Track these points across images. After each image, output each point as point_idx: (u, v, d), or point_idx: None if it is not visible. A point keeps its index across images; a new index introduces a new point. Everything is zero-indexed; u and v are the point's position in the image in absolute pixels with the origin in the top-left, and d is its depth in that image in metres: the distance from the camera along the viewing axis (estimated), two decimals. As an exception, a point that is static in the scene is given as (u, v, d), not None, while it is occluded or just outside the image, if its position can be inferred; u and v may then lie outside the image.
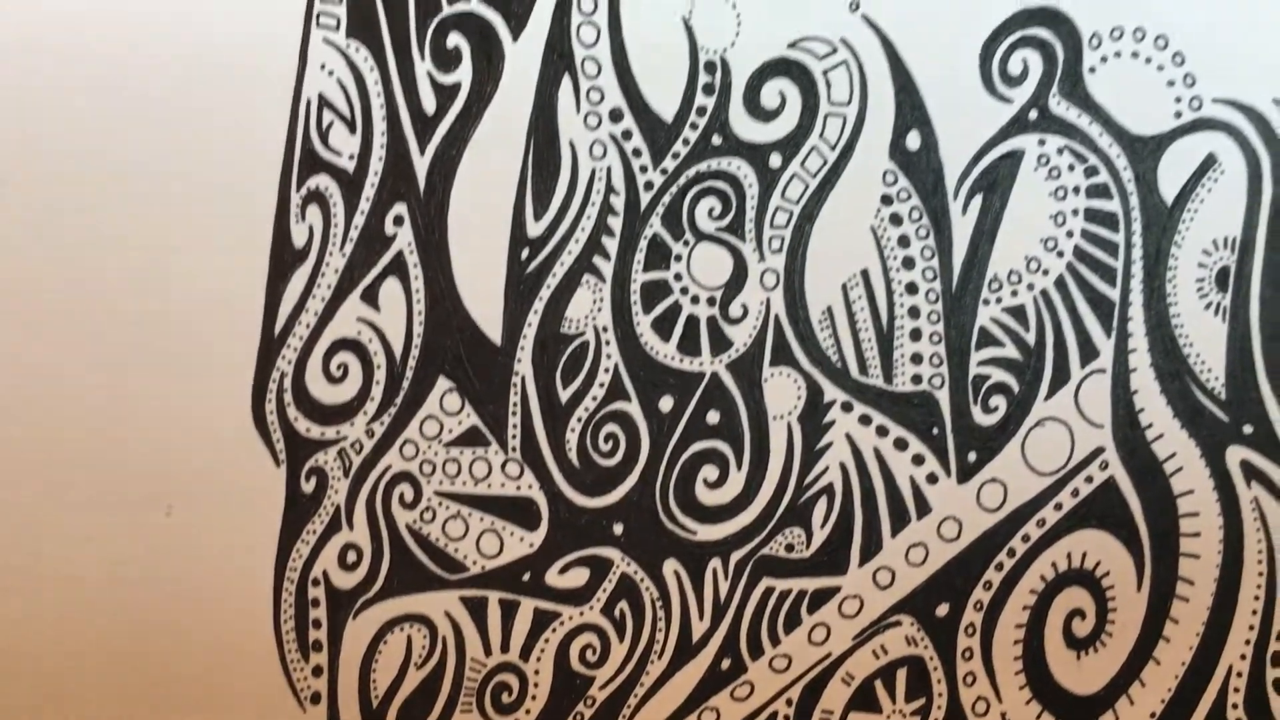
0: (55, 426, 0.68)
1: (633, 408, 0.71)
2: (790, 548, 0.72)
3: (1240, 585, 0.72)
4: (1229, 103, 0.72)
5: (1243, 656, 0.73)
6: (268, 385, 0.70)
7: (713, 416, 0.71)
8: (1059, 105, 0.71)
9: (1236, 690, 0.73)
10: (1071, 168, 0.71)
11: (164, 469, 0.70)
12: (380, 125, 0.70)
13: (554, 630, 0.72)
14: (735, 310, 0.71)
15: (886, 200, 0.71)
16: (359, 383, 0.71)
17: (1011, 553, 0.72)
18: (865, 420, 0.72)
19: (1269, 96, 0.72)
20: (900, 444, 0.71)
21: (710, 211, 0.71)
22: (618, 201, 0.71)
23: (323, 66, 0.70)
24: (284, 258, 0.70)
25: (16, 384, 0.67)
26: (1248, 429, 0.72)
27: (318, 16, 0.70)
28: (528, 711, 0.72)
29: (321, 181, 0.70)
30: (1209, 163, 0.71)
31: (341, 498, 0.71)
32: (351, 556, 0.71)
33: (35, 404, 0.67)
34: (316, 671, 0.71)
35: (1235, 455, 0.72)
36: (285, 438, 0.70)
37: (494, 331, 0.71)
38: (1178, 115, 0.71)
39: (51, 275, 0.67)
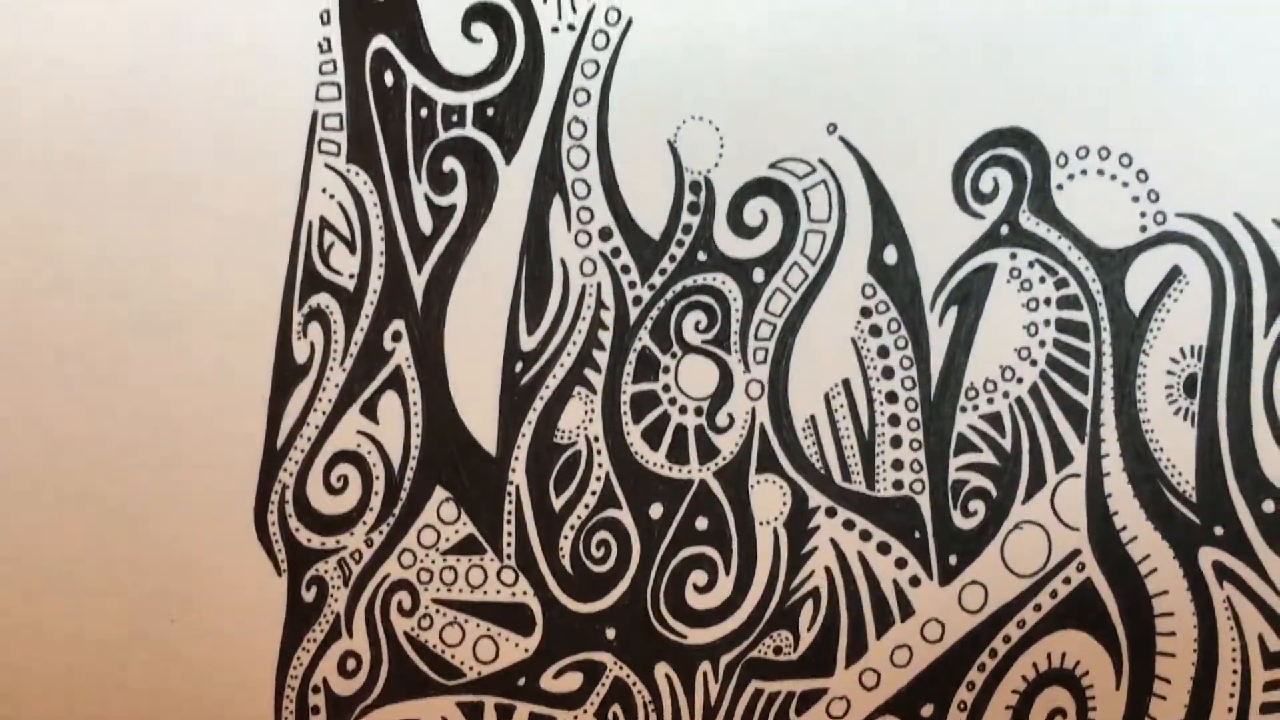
0: (61, 534, 0.70)
1: (624, 515, 0.74)
2: (778, 650, 0.74)
3: (1215, 684, 0.75)
4: (1192, 217, 0.75)
5: (1220, 753, 0.74)
6: (270, 496, 0.73)
7: (701, 523, 0.74)
8: (1029, 221, 0.74)
9: None
10: (1042, 280, 0.74)
11: (168, 578, 0.72)
12: (379, 245, 0.73)
13: (548, 734, 0.73)
14: (722, 420, 0.74)
15: (866, 312, 0.74)
16: (358, 493, 0.73)
17: (993, 653, 0.74)
18: (849, 525, 0.74)
19: (1229, 210, 0.75)
20: (883, 548, 0.74)
21: (697, 325, 0.74)
22: (608, 316, 0.74)
23: (324, 190, 0.74)
24: (286, 373, 0.73)
25: (24, 494, 0.70)
26: (1219, 530, 0.74)
27: (319, 143, 0.73)
28: None
29: (323, 300, 0.73)
30: (1174, 274, 0.75)
31: (341, 606, 0.73)
32: (351, 664, 0.73)
33: (42, 511, 0.70)
34: (316, 778, 0.72)
35: (1208, 556, 0.74)
36: (287, 547, 0.73)
37: (489, 442, 0.74)
38: (1143, 229, 0.75)
39: (62, 388, 0.70)
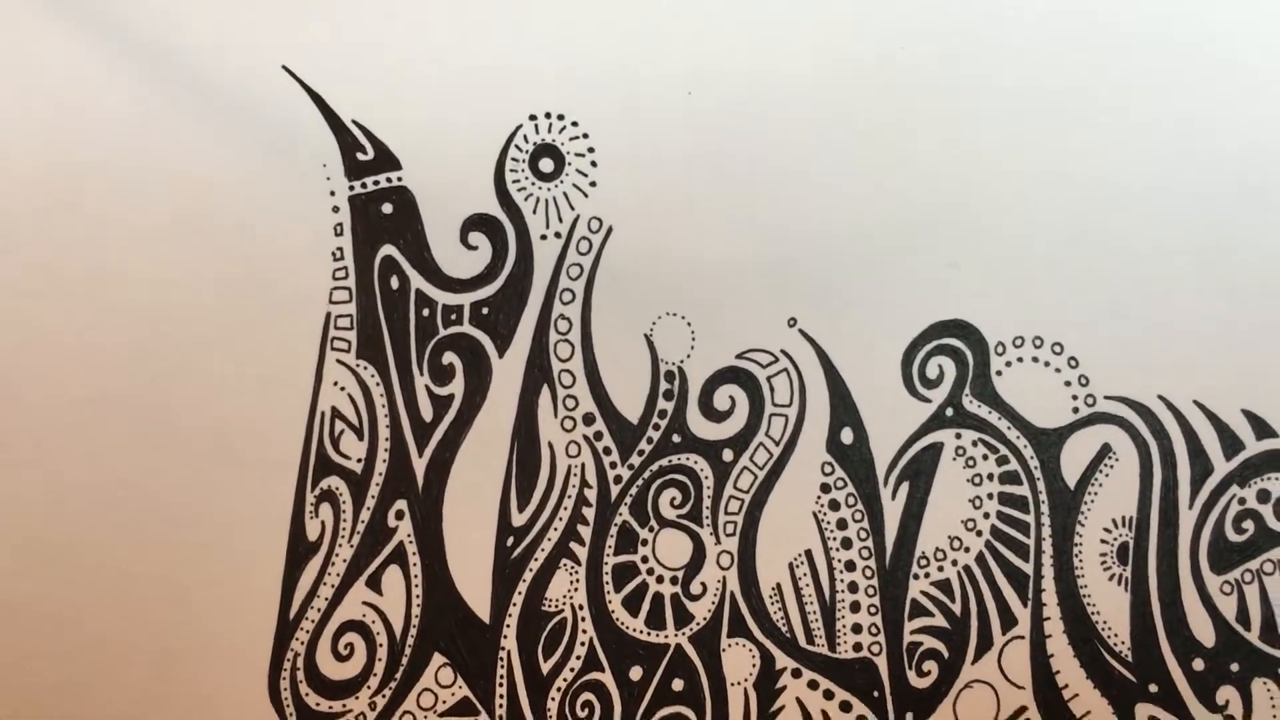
0: (93, 705, 0.77)
1: (606, 677, 0.80)
2: None
3: None
4: (1119, 399, 0.83)
5: None
6: (283, 663, 0.79)
7: (677, 684, 0.81)
8: (971, 403, 0.82)
9: None
10: (985, 457, 0.82)
11: (188, 741, 0.78)
12: (384, 432, 0.81)
13: None
14: (696, 588, 0.81)
15: (825, 488, 0.81)
16: (363, 660, 0.80)
17: None
18: (814, 685, 0.81)
19: (1154, 393, 0.82)
20: (845, 706, 0.80)
21: (672, 501, 0.81)
22: (591, 494, 0.81)
23: (335, 383, 0.81)
24: (298, 550, 0.80)
25: (58, 679, 0.76)
26: (1153, 688, 0.81)
27: (332, 341, 0.81)
28: None
29: (333, 482, 0.81)
30: (1105, 451, 0.82)
31: (347, 766, 0.79)
32: (355, 820, 0.79)
33: (80, 687, 0.76)
34: None
35: (1144, 712, 0.81)
36: (298, 711, 0.80)
37: (483, 611, 0.81)
38: (1075, 410, 0.82)
39: (98, 573, 0.77)
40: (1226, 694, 0.85)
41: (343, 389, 0.85)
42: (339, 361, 0.85)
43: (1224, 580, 0.85)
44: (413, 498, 0.84)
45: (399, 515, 0.84)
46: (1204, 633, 0.85)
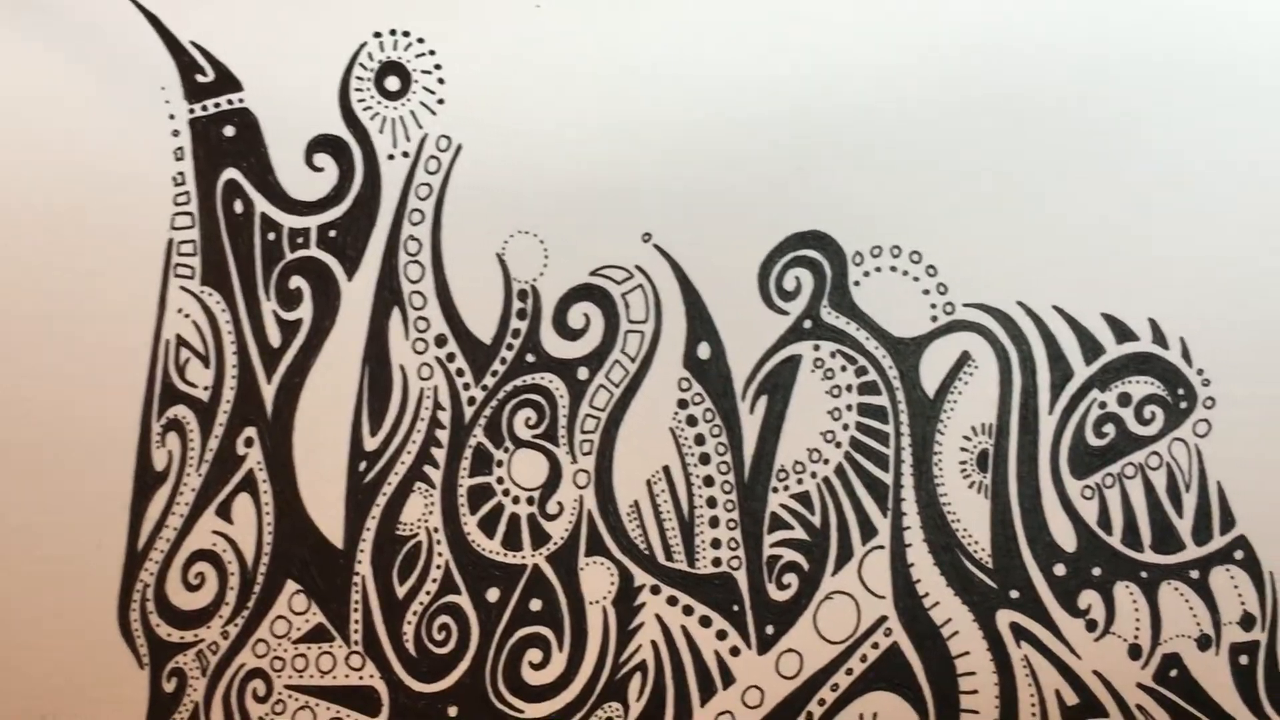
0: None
1: (463, 600, 0.79)
2: None
3: None
4: (978, 306, 0.82)
5: (1024, 802, 0.80)
6: (132, 595, 0.78)
7: (535, 604, 0.80)
8: (829, 315, 0.81)
9: None
10: (844, 368, 0.81)
11: (38, 680, 0.77)
12: (231, 359, 0.80)
13: (396, 808, 0.78)
14: (552, 508, 0.80)
15: (682, 404, 0.80)
16: (215, 589, 0.79)
17: (809, 716, 0.80)
18: (673, 601, 0.80)
19: (1013, 299, 0.81)
20: (705, 621, 0.79)
21: (527, 421, 0.80)
22: (444, 416, 0.80)
23: (179, 310, 0.80)
24: (146, 480, 0.79)
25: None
26: (1014, 594, 0.80)
27: (175, 268, 0.79)
28: None
29: (179, 411, 0.79)
30: (964, 359, 0.81)
31: (200, 695, 0.78)
32: (210, 749, 0.78)
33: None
34: None
35: (1005, 618, 0.80)
36: (148, 642, 0.78)
37: (336, 537, 0.80)
38: (934, 319, 0.82)
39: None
40: (1088, 598, 0.84)
41: (187, 316, 0.83)
42: (183, 288, 0.83)
43: (1085, 485, 0.85)
44: (262, 425, 0.83)
45: (248, 442, 0.82)
46: (1065, 538, 0.84)
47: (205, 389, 0.85)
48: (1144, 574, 0.86)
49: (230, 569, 0.85)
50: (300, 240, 0.86)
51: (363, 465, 0.86)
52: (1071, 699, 0.86)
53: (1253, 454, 0.87)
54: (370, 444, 0.86)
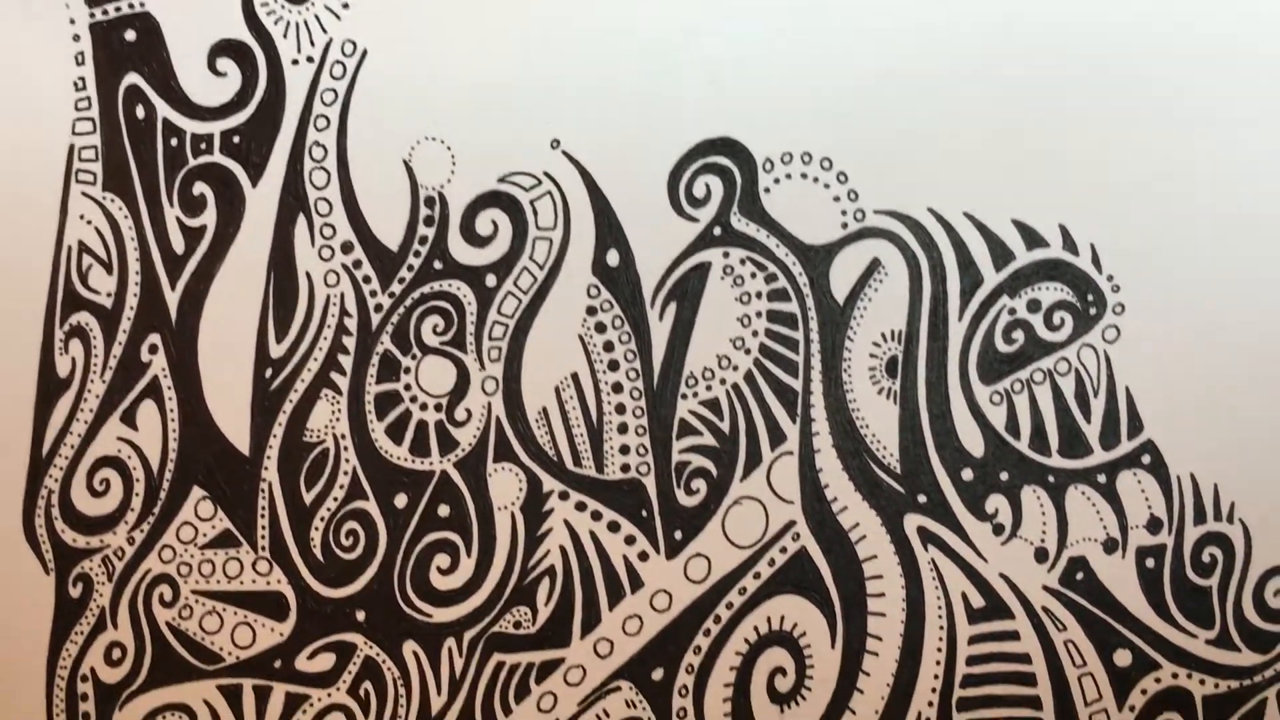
0: None
1: (371, 506, 0.79)
2: (518, 625, 0.79)
3: (924, 639, 0.81)
4: (889, 213, 0.82)
5: (930, 704, 0.81)
6: (36, 501, 0.78)
7: (443, 510, 0.80)
8: (739, 222, 0.80)
9: None
10: (754, 275, 0.80)
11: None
12: (134, 265, 0.79)
13: (304, 712, 0.79)
14: (460, 414, 0.79)
15: (591, 311, 0.80)
16: (120, 495, 0.79)
17: (718, 619, 0.80)
18: (581, 507, 0.80)
19: (923, 206, 0.80)
20: (613, 526, 0.79)
21: (434, 328, 0.80)
22: (351, 323, 0.80)
23: (81, 216, 0.79)
24: (49, 387, 0.78)
25: None
26: (922, 499, 0.80)
27: (76, 174, 0.78)
28: None
29: (82, 318, 0.79)
30: (874, 266, 0.81)
31: (106, 600, 0.78)
32: (116, 653, 0.78)
33: None
34: (87, 760, 0.78)
35: (912, 523, 0.81)
36: (53, 548, 0.78)
37: (242, 443, 0.80)
38: (844, 226, 0.81)
39: None
40: (996, 503, 0.84)
41: (89, 222, 0.82)
42: (84, 194, 0.83)
43: (993, 390, 0.84)
44: (166, 331, 0.82)
45: (152, 349, 0.82)
46: (973, 443, 0.84)
47: (108, 295, 0.85)
48: (1051, 478, 0.87)
49: (135, 475, 0.84)
50: (203, 146, 0.85)
51: (269, 372, 0.85)
52: (978, 602, 0.86)
53: (1161, 360, 0.87)
54: (276, 351, 0.85)
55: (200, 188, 0.85)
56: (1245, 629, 0.87)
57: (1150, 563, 0.87)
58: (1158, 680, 0.87)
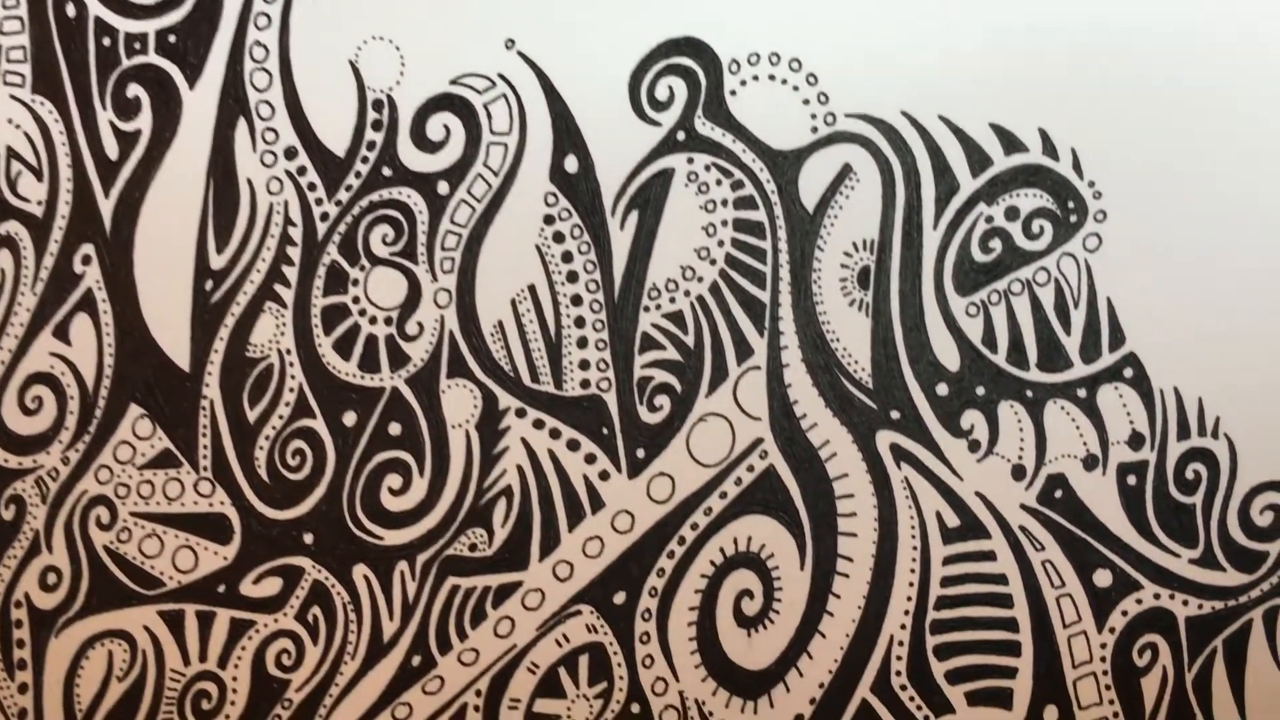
0: None
1: (318, 424, 0.75)
2: (474, 547, 0.75)
3: (896, 560, 0.77)
4: (861, 117, 0.78)
5: (903, 626, 0.78)
6: (-34, 420, 0.74)
7: (394, 428, 0.76)
8: (704, 126, 0.76)
9: (899, 659, 0.78)
10: (719, 182, 0.76)
11: None
12: (66, 172, 0.75)
13: (250, 638, 0.75)
14: (411, 328, 0.75)
15: (549, 220, 0.76)
16: (53, 414, 0.75)
17: (682, 540, 0.76)
18: (539, 424, 0.76)
19: (897, 109, 0.76)
20: (573, 445, 0.76)
21: (384, 238, 0.75)
22: (295, 233, 0.75)
23: (10, 120, 0.75)
24: (-23, 300, 0.74)
25: None
26: (895, 415, 0.77)
27: (4, 76, 0.74)
28: (227, 717, 0.76)
29: (11, 227, 0.74)
30: (845, 172, 0.77)
31: (40, 523, 0.74)
32: (52, 578, 0.75)
33: None
34: (23, 689, 0.74)
35: (885, 439, 0.77)
36: (-16, 469, 0.74)
37: (182, 359, 0.76)
38: (814, 130, 0.77)
39: None
40: (971, 418, 0.81)
41: (18, 127, 0.79)
42: (13, 97, 0.79)
43: (969, 302, 0.81)
44: (100, 242, 0.78)
45: (85, 260, 0.78)
46: (948, 357, 0.81)
47: (39, 203, 0.80)
48: (1029, 393, 0.83)
49: (69, 392, 0.80)
50: (137, 46, 0.81)
51: (209, 284, 0.81)
52: (953, 521, 0.83)
53: (1144, 269, 0.84)
54: (217, 262, 0.81)
55: (135, 90, 0.81)
56: (1230, 548, 0.84)
57: (1132, 480, 0.84)
58: (1139, 601, 0.84)
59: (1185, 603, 0.84)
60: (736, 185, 0.84)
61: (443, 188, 0.83)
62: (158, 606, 0.81)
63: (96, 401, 0.81)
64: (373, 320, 0.82)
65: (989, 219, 0.84)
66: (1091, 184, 0.84)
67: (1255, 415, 0.84)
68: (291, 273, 0.82)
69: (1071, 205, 0.84)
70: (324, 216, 0.82)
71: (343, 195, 0.82)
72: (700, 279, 0.84)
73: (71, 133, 0.81)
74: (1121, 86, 0.83)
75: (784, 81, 0.84)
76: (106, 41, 0.81)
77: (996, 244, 0.84)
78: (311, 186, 0.82)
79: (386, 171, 0.82)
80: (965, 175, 0.84)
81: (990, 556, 0.84)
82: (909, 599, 0.84)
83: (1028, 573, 0.84)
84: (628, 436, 0.83)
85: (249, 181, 0.82)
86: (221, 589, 0.81)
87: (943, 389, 0.84)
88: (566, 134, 0.83)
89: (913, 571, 0.84)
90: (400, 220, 0.82)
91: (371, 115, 0.82)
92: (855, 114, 0.84)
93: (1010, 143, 0.84)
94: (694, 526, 0.83)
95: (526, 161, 0.83)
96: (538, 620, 0.83)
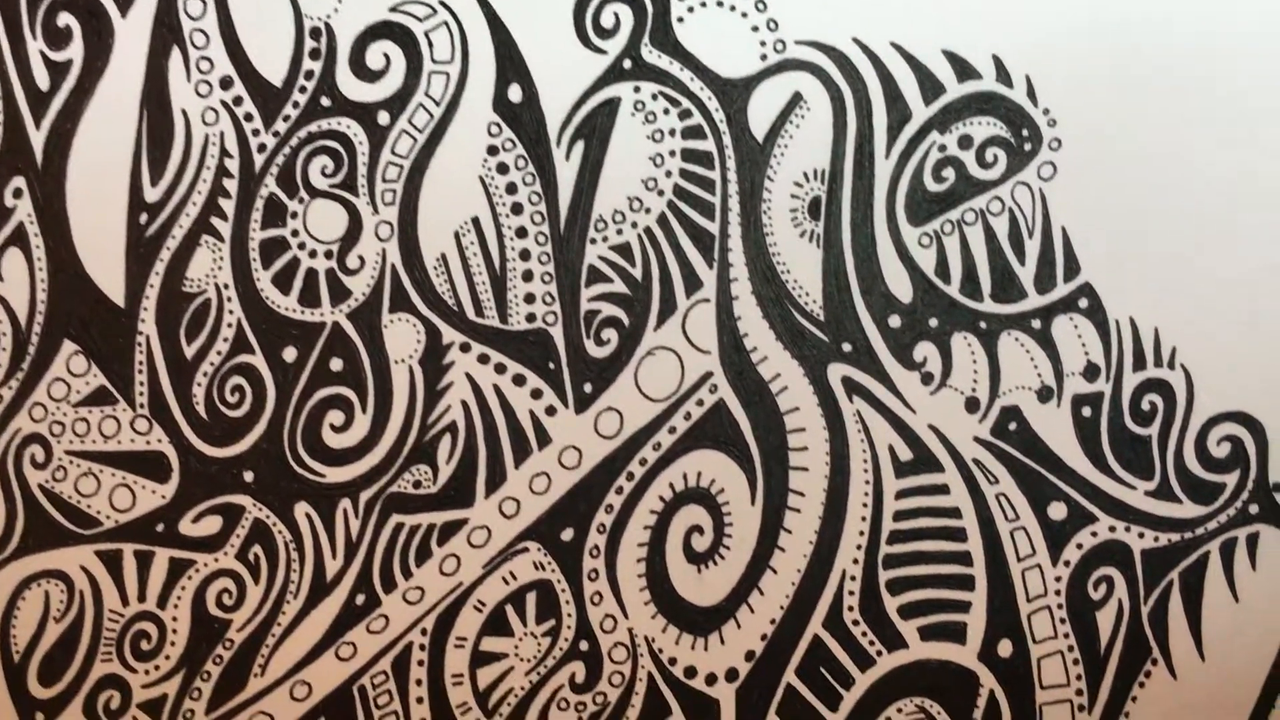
0: None
1: (257, 360, 0.73)
2: (418, 484, 0.74)
3: (849, 494, 0.76)
4: (811, 44, 0.76)
5: (855, 561, 0.76)
6: (-106, 358, 0.72)
7: (336, 364, 0.74)
8: (651, 54, 0.74)
9: (852, 594, 0.77)
10: (667, 111, 0.75)
11: None
12: (-5, 103, 0.72)
13: (189, 578, 0.73)
14: (353, 262, 0.73)
15: (493, 150, 0.74)
16: (-15, 351, 0.72)
17: (630, 476, 0.74)
18: (484, 359, 0.74)
19: (848, 35, 0.74)
20: (519, 380, 0.74)
21: (323, 169, 0.74)
22: (232, 164, 0.73)
23: (-65, 50, 0.73)
24: (-96, 234, 0.72)
25: None
26: (847, 347, 0.75)
27: (-72, 3, 0.72)
28: (167, 657, 0.74)
29: (-62, 160, 0.72)
30: (795, 101, 0.75)
31: (-27, 462, 0.72)
32: (-14, 518, 0.73)
33: None
34: (-43, 633, 0.72)
35: (837, 372, 0.75)
36: (-86, 407, 0.72)
37: (116, 294, 0.74)
38: (764, 58, 0.76)
39: None
40: (924, 350, 0.80)
41: (-57, 57, 0.75)
42: (-63, 26, 0.75)
43: (922, 232, 0.80)
44: (31, 174, 0.76)
45: (16, 194, 0.76)
46: (901, 288, 0.80)
47: (-34, 136, 0.78)
48: (983, 324, 0.82)
49: (1, 329, 0.78)
50: (67, -27, 0.79)
51: (144, 218, 0.79)
52: (905, 454, 0.82)
53: (1099, 197, 0.83)
54: (151, 195, 0.79)
55: (65, 18, 0.79)
56: (1187, 479, 0.83)
57: (1087, 411, 0.83)
58: (1094, 534, 0.83)
59: (1141, 535, 0.83)
60: (684, 114, 0.82)
61: (383, 118, 0.81)
62: (95, 546, 0.79)
63: (29, 338, 0.79)
64: (312, 254, 0.80)
65: (942, 148, 0.83)
66: (1046, 111, 0.82)
67: (1212, 345, 0.83)
68: (228, 205, 0.80)
69: (1026, 133, 0.82)
70: (261, 148, 0.80)
71: (280, 126, 0.80)
72: (648, 210, 0.82)
73: (0, 63, 0.78)
74: (1076, 11, 0.82)
75: (732, 8, 0.82)
76: (34, -32, 0.79)
77: (950, 173, 0.83)
78: (248, 117, 0.80)
79: (325, 101, 0.80)
80: (918, 103, 0.83)
81: (944, 490, 0.82)
82: (861, 534, 0.82)
83: (981, 506, 0.82)
84: (574, 371, 0.82)
85: (184, 112, 0.80)
86: (160, 528, 0.80)
87: (895, 321, 0.83)
88: (510, 62, 0.81)
89: (865, 506, 0.83)
90: (340, 151, 0.80)
91: (309, 44, 0.80)
92: (805, 41, 0.82)
93: (963, 70, 0.82)
94: (643, 462, 0.82)
95: (469, 91, 0.81)
96: (484, 558, 0.81)
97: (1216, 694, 0.84)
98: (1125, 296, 0.83)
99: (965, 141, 0.83)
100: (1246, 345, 0.83)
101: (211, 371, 0.80)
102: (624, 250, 0.82)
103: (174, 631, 0.80)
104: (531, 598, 0.82)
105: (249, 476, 0.81)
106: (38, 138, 0.79)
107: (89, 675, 0.80)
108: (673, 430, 0.83)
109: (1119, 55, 0.82)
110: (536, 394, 0.82)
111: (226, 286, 0.80)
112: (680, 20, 0.82)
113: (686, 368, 0.83)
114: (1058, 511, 0.83)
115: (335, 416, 0.81)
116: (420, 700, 0.81)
